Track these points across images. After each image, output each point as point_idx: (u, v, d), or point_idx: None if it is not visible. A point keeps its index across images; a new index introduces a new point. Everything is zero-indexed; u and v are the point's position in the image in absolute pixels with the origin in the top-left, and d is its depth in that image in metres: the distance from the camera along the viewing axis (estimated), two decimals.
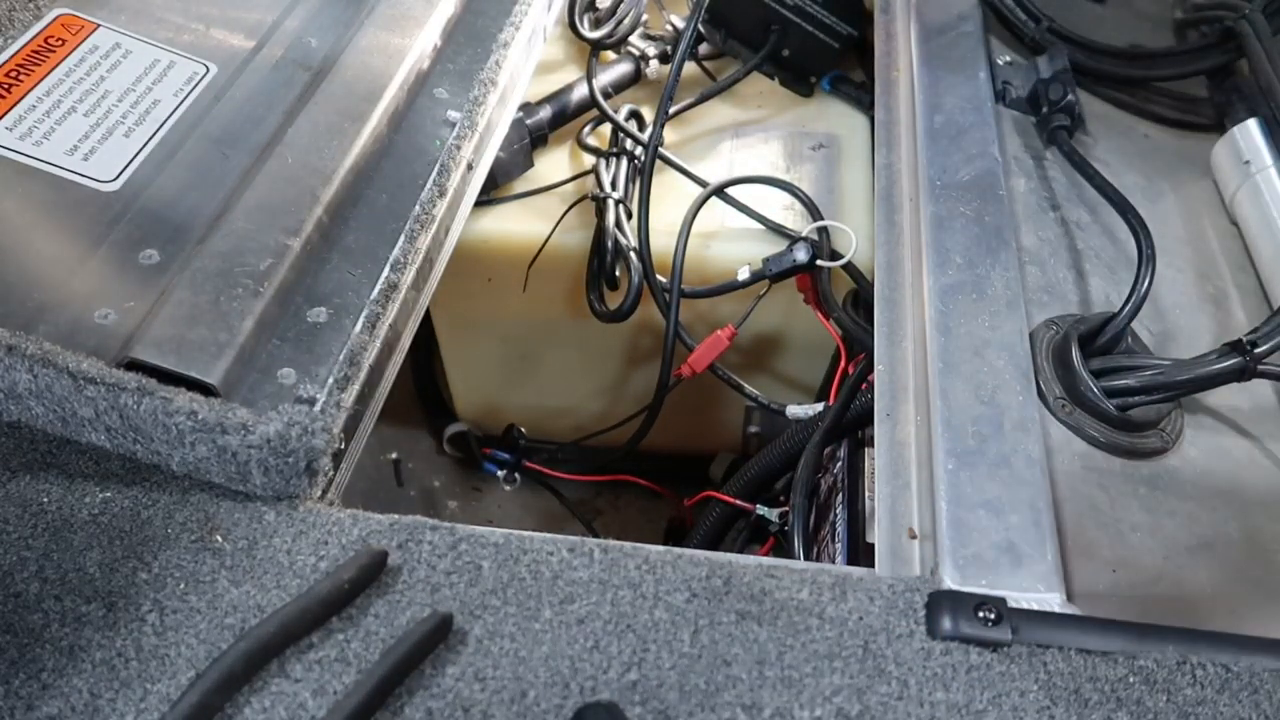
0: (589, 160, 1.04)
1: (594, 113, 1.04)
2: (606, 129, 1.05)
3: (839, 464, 0.78)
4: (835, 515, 0.75)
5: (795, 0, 1.02)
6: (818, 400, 0.96)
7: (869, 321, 0.72)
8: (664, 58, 1.10)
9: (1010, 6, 0.89)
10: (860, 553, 0.68)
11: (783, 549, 0.83)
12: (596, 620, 0.49)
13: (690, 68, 1.10)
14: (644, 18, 1.08)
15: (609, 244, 0.97)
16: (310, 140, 0.66)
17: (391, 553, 0.51)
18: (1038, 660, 0.48)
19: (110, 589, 0.48)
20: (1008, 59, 0.87)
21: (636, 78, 1.09)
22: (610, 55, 1.09)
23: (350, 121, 0.68)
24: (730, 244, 0.98)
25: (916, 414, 0.62)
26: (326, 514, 0.52)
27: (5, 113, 0.63)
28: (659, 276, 0.95)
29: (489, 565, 0.51)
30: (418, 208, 0.66)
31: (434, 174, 0.68)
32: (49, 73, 0.66)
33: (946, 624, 0.49)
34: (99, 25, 0.70)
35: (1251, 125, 0.78)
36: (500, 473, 1.23)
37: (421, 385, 1.33)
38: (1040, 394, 0.62)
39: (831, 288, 0.90)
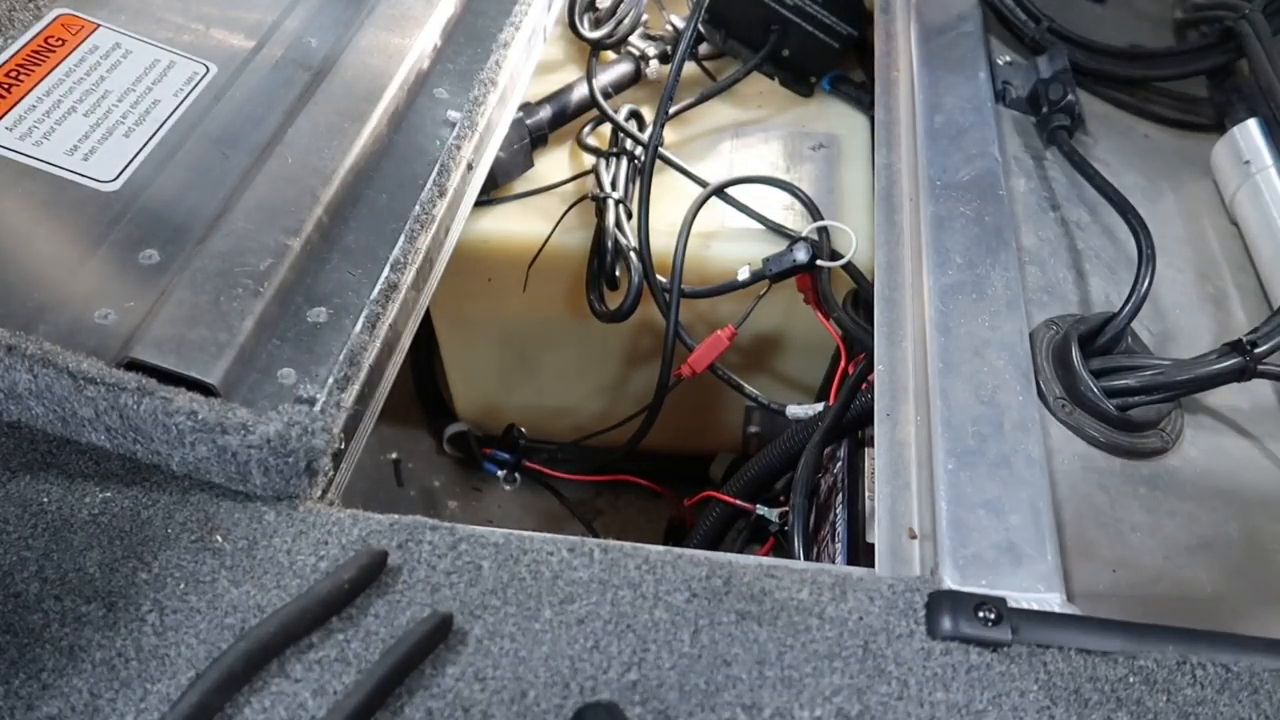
0: (589, 160, 1.04)
1: (594, 113, 1.04)
2: (606, 129, 1.05)
3: (839, 464, 0.78)
4: (835, 515, 0.75)
5: (795, 0, 1.02)
6: (818, 400, 0.96)
7: (869, 321, 0.72)
8: (664, 58, 1.10)
9: (1010, 6, 0.89)
10: (860, 553, 0.68)
11: (783, 549, 0.83)
12: (596, 620, 0.49)
13: (690, 68, 1.10)
14: (644, 18, 1.08)
15: (609, 244, 0.97)
16: (310, 140, 0.66)
17: (391, 553, 0.51)
18: (1038, 660, 0.48)
19: (110, 589, 0.48)
20: (1008, 59, 0.87)
21: (636, 78, 1.09)
22: (610, 55, 1.09)
23: (350, 121, 0.68)
24: (730, 244, 0.98)
25: (916, 414, 0.62)
26: (326, 514, 0.52)
27: (5, 113, 0.63)
28: (659, 276, 0.95)
29: (489, 565, 0.51)
30: (418, 208, 0.66)
31: (434, 174, 0.68)
32: (49, 73, 0.66)
33: (946, 624, 0.49)
34: (99, 25, 0.70)
35: (1251, 125, 0.78)
36: (500, 473, 1.23)
37: (421, 385, 1.33)
38: (1040, 394, 0.62)
39: (831, 288, 0.90)
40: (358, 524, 0.52)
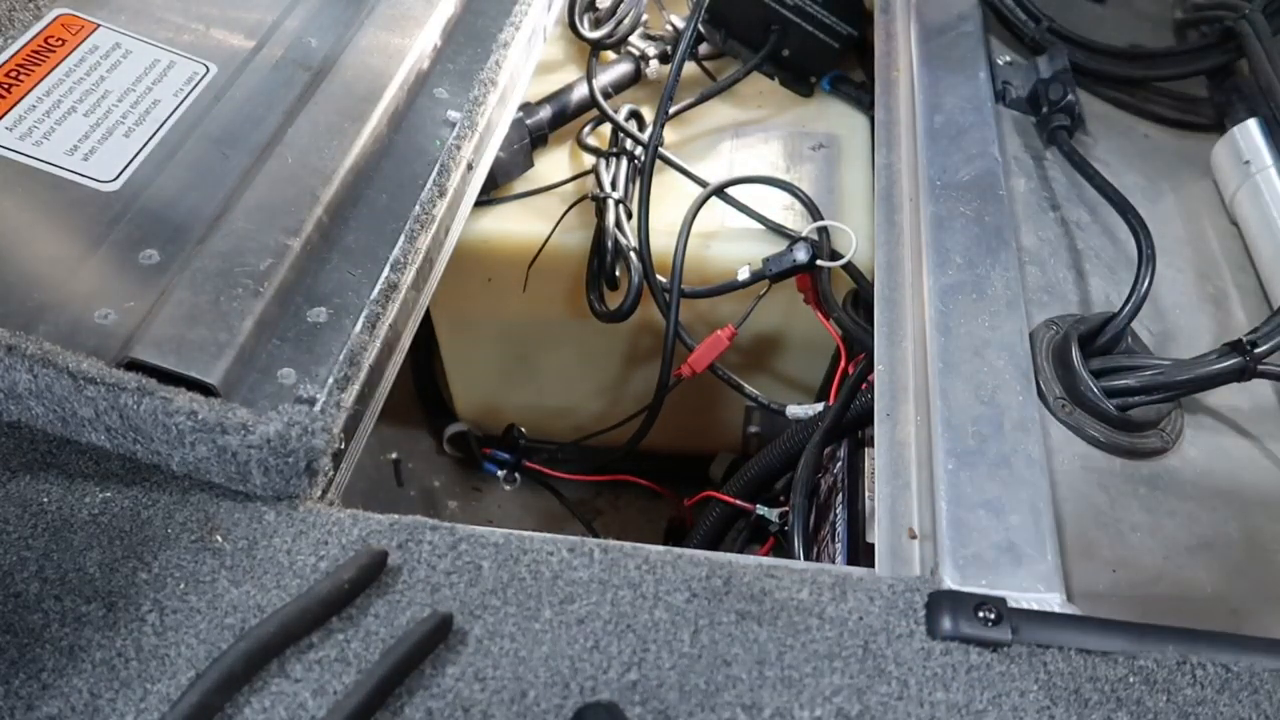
0: (589, 160, 1.04)
1: (594, 113, 1.04)
2: (606, 129, 1.05)
3: (839, 464, 0.78)
4: (835, 515, 0.75)
5: (795, 0, 1.02)
6: (818, 400, 0.96)
7: (869, 321, 0.72)
8: (664, 58, 1.10)
9: (1010, 6, 0.89)
10: (860, 553, 0.68)
11: (783, 549, 0.83)
12: (596, 620, 0.49)
13: (690, 68, 1.10)
14: (644, 18, 1.08)
15: (609, 244, 0.97)
16: (310, 140, 0.66)
17: (391, 553, 0.51)
18: (1038, 660, 0.48)
19: (110, 589, 0.48)
20: (1008, 59, 0.87)
21: (636, 78, 1.09)
22: (610, 55, 1.09)
23: (350, 121, 0.68)
24: (730, 244, 0.98)
25: (916, 414, 0.62)
26: (326, 514, 0.52)
27: (5, 113, 0.63)
28: (659, 276, 0.95)
29: (489, 565, 0.51)
30: (418, 208, 0.66)
31: (434, 174, 0.68)
32: (49, 73, 0.66)
33: (946, 624, 0.49)
34: (99, 25, 0.70)
35: (1251, 125, 0.78)
36: (500, 473, 1.23)
37: (421, 385, 1.33)
38: (1040, 394, 0.62)
39: (831, 288, 0.90)
40: (358, 524, 0.52)
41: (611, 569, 0.51)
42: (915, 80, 0.83)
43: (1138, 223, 0.68)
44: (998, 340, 0.63)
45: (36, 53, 0.66)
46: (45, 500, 0.52)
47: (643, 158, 0.95)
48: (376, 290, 0.61)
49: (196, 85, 0.68)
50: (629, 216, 0.98)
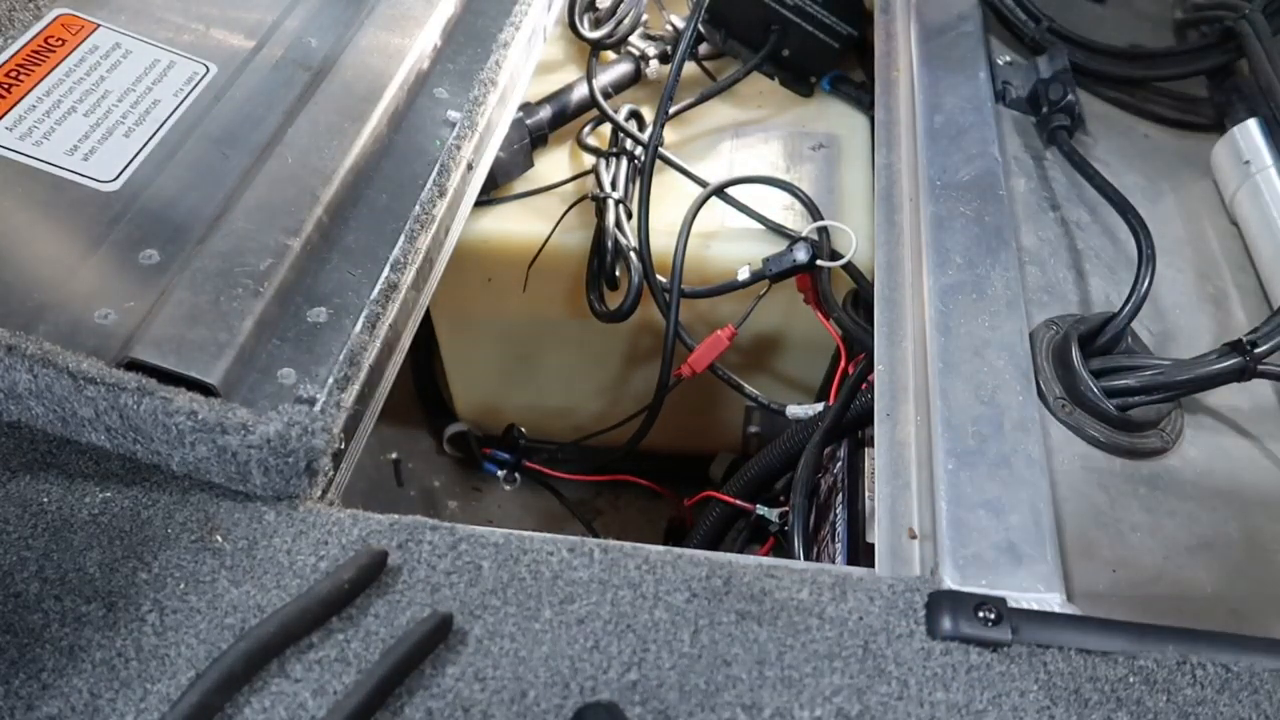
0: (589, 160, 1.04)
1: (594, 113, 1.04)
2: (606, 129, 1.05)
3: (839, 464, 0.78)
4: (835, 515, 0.75)
5: (795, 0, 1.02)
6: (818, 400, 0.96)
7: (869, 321, 0.72)
8: (664, 58, 1.10)
9: (1010, 6, 0.89)
10: (860, 553, 0.68)
11: (783, 549, 0.83)
12: (596, 620, 0.49)
13: (690, 68, 1.10)
14: (644, 18, 1.08)
15: (609, 244, 0.97)
16: (310, 140, 0.66)
17: (391, 553, 0.51)
18: (1038, 660, 0.48)
19: (110, 589, 0.48)
20: (1008, 59, 0.87)
21: (636, 78, 1.09)
22: (610, 55, 1.09)
23: (350, 121, 0.68)
24: (730, 244, 0.98)
25: (916, 414, 0.62)
26: (326, 514, 0.52)
27: (5, 113, 0.63)
28: (659, 276, 0.95)
29: (489, 565, 0.51)
30: (418, 208, 0.66)
31: (434, 174, 0.68)
32: (49, 73, 0.66)
33: (946, 624, 0.49)
34: (99, 25, 0.70)
35: (1251, 125, 0.78)
36: (500, 473, 1.23)
37: (421, 385, 1.33)
38: (1040, 394, 0.62)
39: (831, 288, 0.90)
40: (358, 524, 0.52)
41: (611, 569, 0.51)
42: (915, 80, 0.83)
43: (1138, 223, 0.68)
44: (998, 340, 0.63)
45: (36, 53, 0.66)
46: (45, 500, 0.52)
47: (643, 158, 0.95)
48: (376, 290, 0.61)
49: (196, 85, 0.68)
50: (629, 216, 0.98)
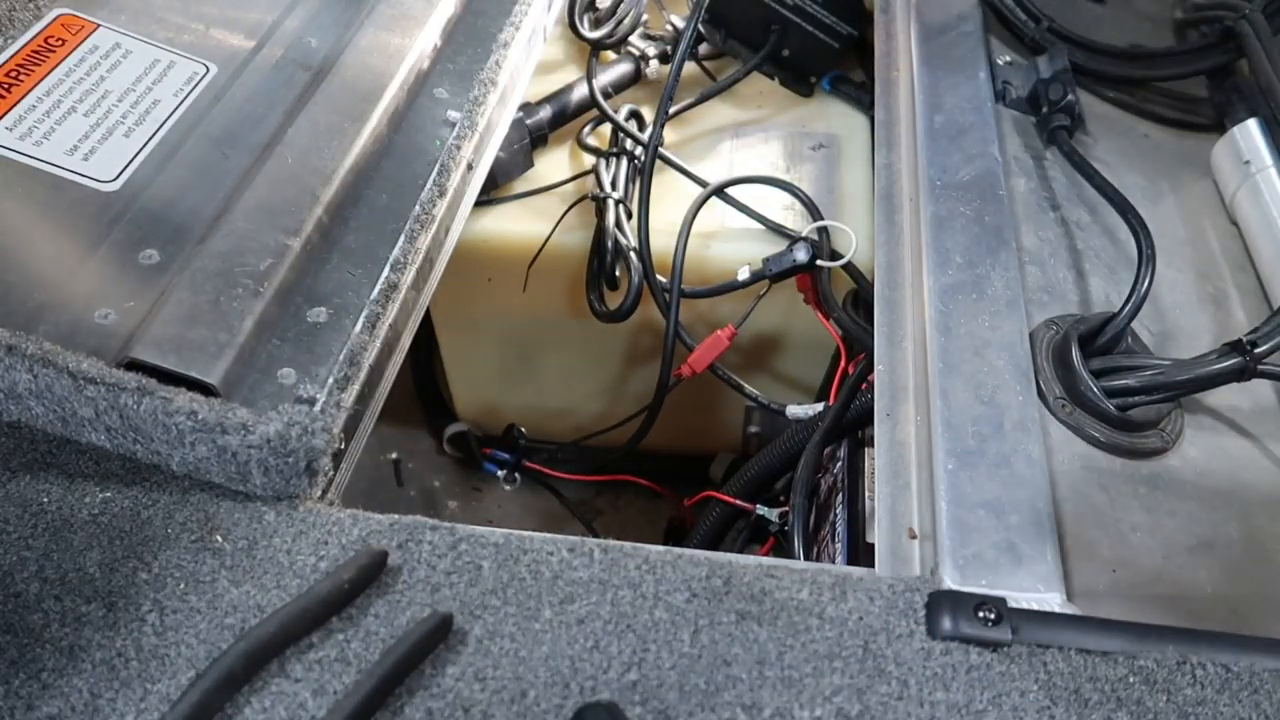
0: (589, 160, 1.04)
1: (594, 113, 1.04)
2: (606, 129, 1.05)
3: (839, 464, 0.78)
4: (835, 515, 0.75)
5: (795, 0, 1.02)
6: (818, 400, 0.96)
7: (869, 321, 0.72)
8: (664, 58, 1.10)
9: (1010, 6, 0.89)
10: (860, 553, 0.68)
11: (783, 549, 0.83)
12: (596, 620, 0.49)
13: (690, 68, 1.10)
14: (644, 18, 1.08)
15: (609, 244, 0.97)
16: (310, 140, 0.66)
17: (391, 553, 0.51)
18: (1038, 660, 0.48)
19: (110, 589, 0.48)
20: (1008, 59, 0.87)
21: (636, 78, 1.09)
22: (610, 55, 1.09)
23: (350, 121, 0.68)
24: (730, 244, 0.98)
25: (916, 414, 0.62)
26: (326, 514, 0.52)
27: (5, 113, 0.63)
28: (659, 276, 0.95)
29: (489, 565, 0.51)
30: (418, 208, 0.66)
31: (434, 174, 0.68)
32: (49, 73, 0.66)
33: (946, 624, 0.49)
34: (99, 25, 0.70)
35: (1251, 125, 0.78)
36: (500, 473, 1.23)
37: (421, 385, 1.33)
38: (1040, 394, 0.62)
39: (831, 288, 0.90)
40: (358, 524, 0.52)
41: (611, 569, 0.51)
42: (915, 80, 0.83)
43: (1138, 223, 0.68)
44: (998, 340, 0.63)
45: (36, 53, 0.66)
46: (45, 500, 0.52)
47: (643, 158, 0.95)
48: (376, 290, 0.61)
49: (196, 85, 0.68)
50: (629, 216, 0.98)
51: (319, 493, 0.54)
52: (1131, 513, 0.58)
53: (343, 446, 0.55)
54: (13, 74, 0.65)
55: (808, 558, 0.74)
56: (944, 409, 0.59)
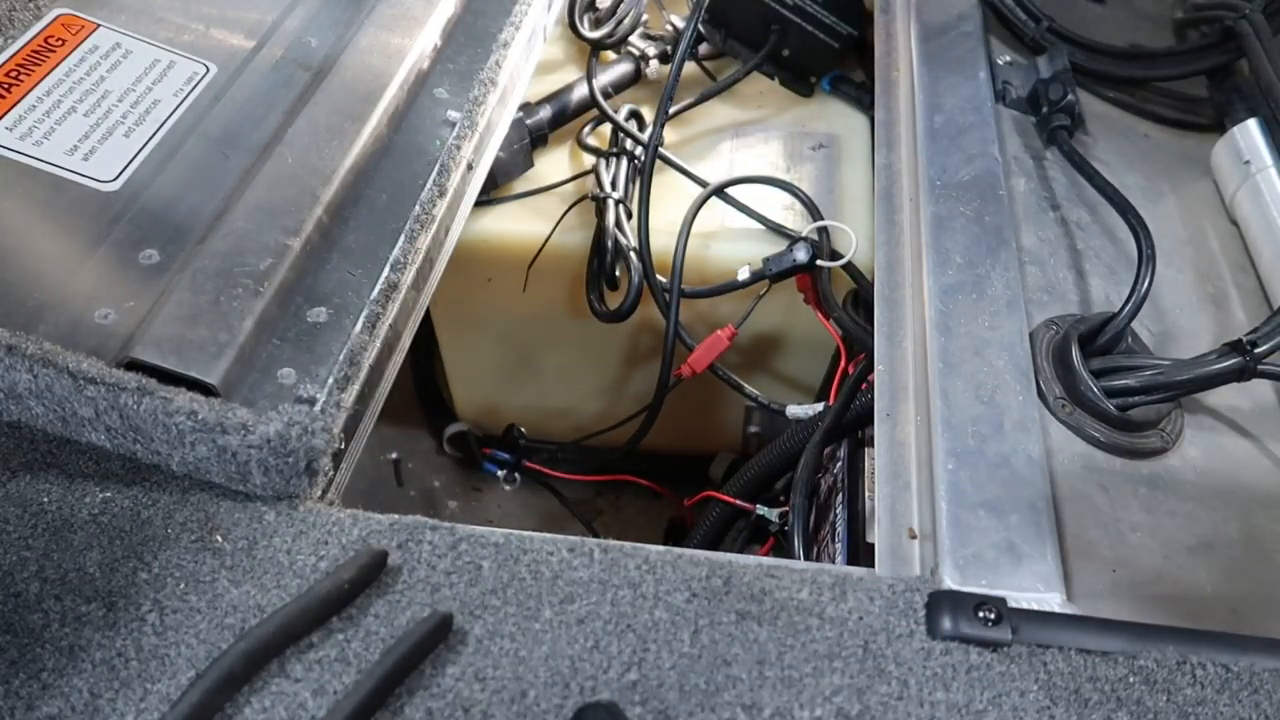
0: (589, 160, 1.04)
1: (594, 113, 1.04)
2: (606, 129, 1.05)
3: (839, 464, 0.78)
4: (835, 515, 0.75)
5: (795, 0, 1.02)
6: (818, 400, 0.96)
7: (869, 321, 0.72)
8: (664, 58, 1.10)
9: (1010, 6, 0.89)
10: (860, 553, 0.68)
11: (783, 549, 0.83)
12: (596, 620, 0.49)
13: (690, 68, 1.10)
14: (644, 18, 1.08)
15: (609, 244, 0.97)
16: (310, 140, 0.66)
17: (391, 553, 0.51)
18: (1038, 660, 0.48)
19: (110, 589, 0.48)
20: (1008, 59, 0.87)
21: (636, 78, 1.09)
22: (610, 55, 1.09)
23: (350, 121, 0.68)
24: (730, 244, 0.98)
25: (916, 414, 0.62)
26: (326, 514, 0.52)
27: (5, 113, 0.63)
28: (659, 276, 0.95)
29: (489, 565, 0.51)
30: (418, 208, 0.66)
31: (434, 174, 0.68)
32: (49, 73, 0.66)
33: (946, 624, 0.49)
34: (99, 25, 0.70)
35: (1251, 125, 0.78)
36: (500, 473, 1.23)
37: (421, 385, 1.33)
38: (1040, 394, 0.62)
39: (831, 288, 0.90)
40: (358, 524, 0.52)
41: (611, 569, 0.51)
42: (915, 80, 0.83)
43: (1138, 223, 0.68)
44: (998, 340, 0.63)
45: (36, 53, 0.66)
46: (45, 500, 0.52)
47: (643, 158, 0.95)
48: (376, 290, 0.61)
49: (196, 85, 0.68)
50: (629, 216, 0.98)
51: (319, 493, 0.54)
52: (1131, 513, 0.58)
53: (343, 446, 0.55)
54: (13, 74, 0.65)
55: (808, 558, 0.74)
56: (944, 409, 0.59)
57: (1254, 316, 0.71)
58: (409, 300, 0.64)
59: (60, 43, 0.67)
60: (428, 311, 0.85)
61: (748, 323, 0.95)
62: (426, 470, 1.35)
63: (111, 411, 0.51)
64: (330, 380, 0.56)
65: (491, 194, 1.00)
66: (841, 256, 0.89)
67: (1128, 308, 0.63)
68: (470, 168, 0.73)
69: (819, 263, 0.89)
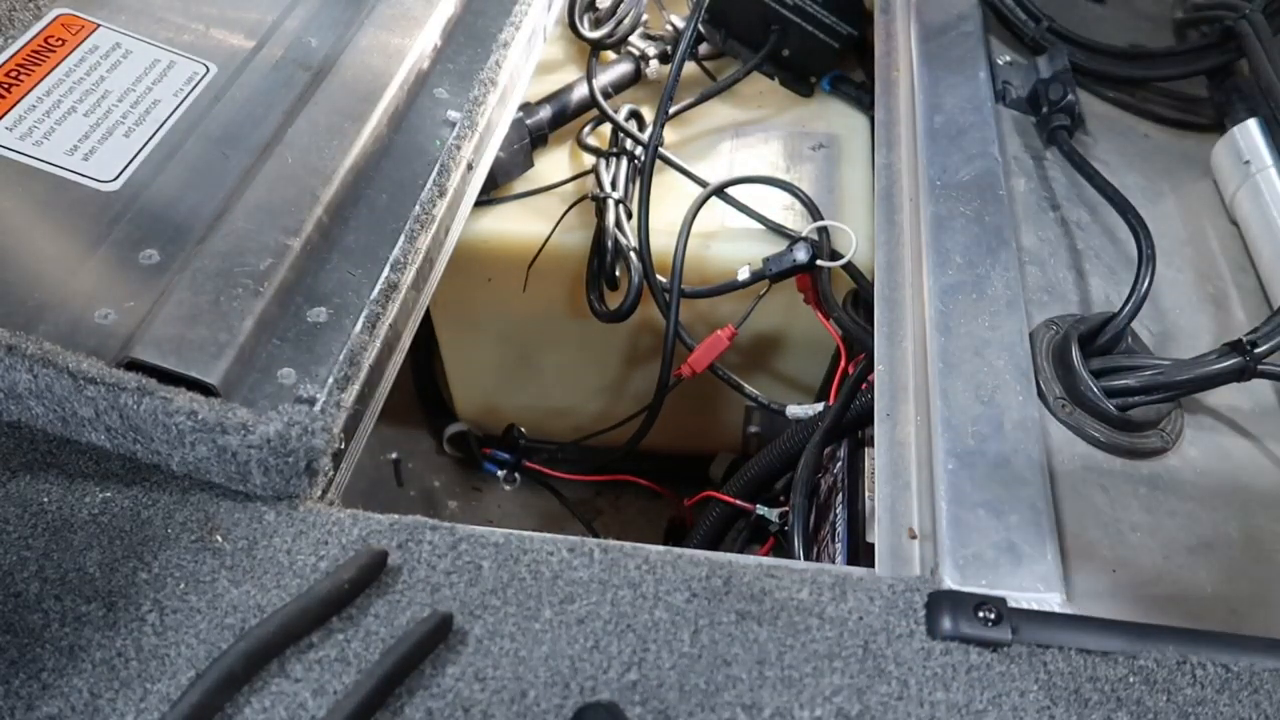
0: (589, 160, 1.04)
1: (594, 113, 1.04)
2: (606, 129, 1.05)
3: (839, 464, 0.78)
4: (835, 515, 0.75)
5: (795, 0, 1.02)
6: (818, 400, 0.96)
7: (869, 321, 0.72)
8: (664, 58, 1.10)
9: (1010, 6, 0.89)
10: (860, 553, 0.68)
11: (783, 549, 0.83)
12: (596, 620, 0.49)
13: (690, 68, 1.10)
14: (644, 18, 1.08)
15: (609, 244, 0.97)
16: (310, 140, 0.66)
17: (391, 553, 0.51)
18: (1038, 660, 0.48)
19: (110, 589, 0.48)
20: (1008, 59, 0.87)
21: (636, 78, 1.09)
22: (610, 55, 1.09)
23: (350, 121, 0.68)
24: (730, 244, 0.98)
25: (916, 414, 0.62)
26: (326, 514, 0.52)
27: (5, 113, 0.63)
28: (659, 276, 0.95)
29: (489, 565, 0.51)
30: (418, 208, 0.66)
31: (434, 174, 0.68)
32: (49, 73, 0.66)
33: (946, 624, 0.49)
34: (99, 25, 0.70)
35: (1251, 125, 0.78)
36: (500, 473, 1.23)
37: (421, 385, 1.33)
38: (1040, 394, 0.62)
39: (831, 288, 0.90)
40: (358, 524, 0.52)
41: (611, 569, 0.51)
42: (915, 80, 0.83)
43: (1138, 223, 0.68)
44: (998, 340, 0.63)
45: (36, 53, 0.66)
46: (45, 500, 0.52)
47: (643, 158, 0.95)
48: (376, 290, 0.61)
49: (196, 85, 0.68)
50: (629, 216, 0.98)
51: (319, 493, 0.54)
52: (1131, 513, 0.58)
53: (343, 446, 0.55)
54: (13, 74, 0.65)
55: (808, 558, 0.74)
56: (944, 409, 0.59)
57: (1254, 316, 0.71)
58: (409, 300, 0.64)
59: (60, 43, 0.67)
60: (428, 311, 0.85)
61: (748, 323, 0.95)
62: (426, 470, 1.35)
63: (111, 411, 0.51)
64: (330, 380, 0.56)
65: (491, 194, 1.00)
66: (841, 256, 0.89)
67: (1128, 308, 0.63)
68: (470, 168, 0.73)
69: (819, 263, 0.89)
